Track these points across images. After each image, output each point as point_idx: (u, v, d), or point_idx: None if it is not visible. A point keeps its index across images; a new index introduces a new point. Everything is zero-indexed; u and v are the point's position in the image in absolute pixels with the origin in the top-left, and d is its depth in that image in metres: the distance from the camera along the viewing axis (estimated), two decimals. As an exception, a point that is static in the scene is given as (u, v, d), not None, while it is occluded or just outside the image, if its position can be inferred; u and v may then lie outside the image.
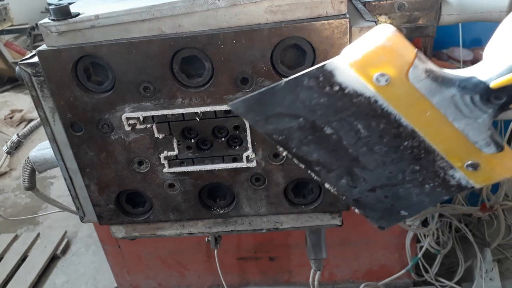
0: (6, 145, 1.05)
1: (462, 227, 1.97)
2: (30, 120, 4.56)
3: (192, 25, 0.71)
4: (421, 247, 1.91)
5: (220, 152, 0.81)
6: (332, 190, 0.65)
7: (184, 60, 0.73)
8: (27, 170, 1.02)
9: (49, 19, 0.71)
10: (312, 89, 0.56)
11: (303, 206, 0.86)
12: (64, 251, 2.86)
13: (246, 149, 0.80)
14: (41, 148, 1.00)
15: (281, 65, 0.73)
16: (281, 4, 0.69)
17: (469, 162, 0.57)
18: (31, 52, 0.79)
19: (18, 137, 1.04)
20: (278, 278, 2.19)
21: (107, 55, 0.71)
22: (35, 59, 0.74)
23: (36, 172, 1.04)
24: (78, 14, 0.71)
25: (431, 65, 0.52)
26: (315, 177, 0.64)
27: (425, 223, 1.91)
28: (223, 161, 0.81)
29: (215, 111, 0.76)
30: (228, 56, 0.72)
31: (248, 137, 0.78)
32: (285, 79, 0.57)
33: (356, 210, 0.69)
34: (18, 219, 1.62)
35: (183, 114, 0.76)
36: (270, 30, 0.70)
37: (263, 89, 0.59)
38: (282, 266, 2.14)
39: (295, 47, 0.72)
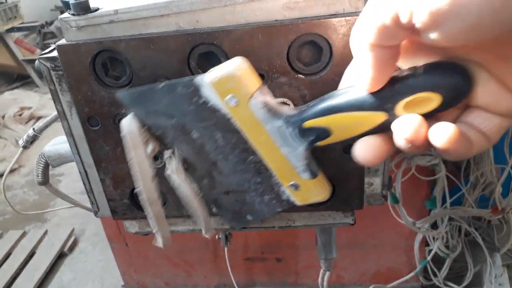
0: (22, 139, 1.06)
1: (472, 231, 1.96)
2: (39, 118, 4.60)
3: (210, 21, 0.71)
4: (430, 251, 1.90)
5: (234, 149, 0.81)
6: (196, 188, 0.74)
7: (201, 55, 0.73)
8: (41, 165, 1.03)
9: (68, 13, 0.72)
10: (183, 96, 0.64)
11: (315, 204, 0.86)
12: (72, 248, 2.88)
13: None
14: (55, 143, 1.01)
15: (297, 61, 0.73)
16: (298, 0, 0.69)
17: (292, 183, 0.67)
18: (50, 47, 0.80)
19: (34, 131, 1.04)
20: (285, 279, 2.19)
21: (125, 50, 0.72)
22: (55, 53, 0.74)
23: (50, 167, 1.05)
24: (97, 9, 0.72)
25: (269, 99, 0.63)
26: None
27: (434, 226, 1.90)
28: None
29: (230, 107, 0.76)
30: (245, 52, 0.72)
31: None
32: (163, 83, 0.65)
33: (214, 209, 0.77)
34: (28, 214, 1.64)
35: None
36: (287, 27, 0.70)
37: (146, 86, 0.68)
38: (289, 268, 2.14)
39: (311, 44, 0.72)
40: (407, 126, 0.47)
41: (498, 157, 1.78)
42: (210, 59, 0.75)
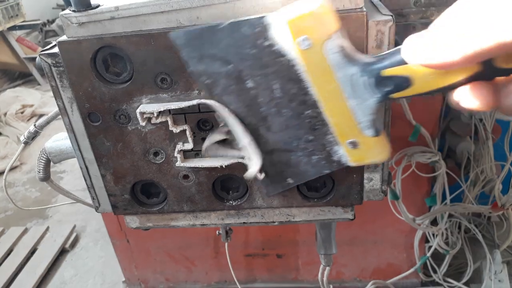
0: (24, 135, 1.07)
1: (471, 228, 1.96)
2: (41, 115, 4.61)
3: (210, 17, 0.71)
4: (430, 247, 1.91)
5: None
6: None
7: (201, 52, 0.74)
8: (42, 161, 1.04)
9: (70, 10, 0.73)
10: (247, 38, 0.60)
11: (315, 200, 0.86)
12: (73, 245, 2.89)
13: (260, 141, 0.80)
14: (56, 139, 1.02)
15: (297, 58, 0.74)
16: (298, -3, 0.70)
17: (351, 140, 0.63)
18: (52, 45, 0.81)
19: (35, 127, 1.05)
20: (285, 275, 2.20)
21: (126, 46, 0.72)
22: (56, 49, 0.75)
23: (51, 163, 1.06)
24: (98, 6, 0.72)
25: (346, 44, 0.58)
26: None
27: (434, 222, 1.91)
28: (237, 153, 0.82)
29: (230, 103, 0.77)
30: None
31: (263, 130, 0.79)
32: (227, 21, 0.61)
33: None
34: (30, 210, 1.65)
35: (199, 105, 0.77)
36: None
37: (206, 25, 0.63)
38: (290, 264, 2.15)
39: (311, 40, 0.73)
40: None
41: (498, 154, 1.79)
42: (210, 55, 0.75)
